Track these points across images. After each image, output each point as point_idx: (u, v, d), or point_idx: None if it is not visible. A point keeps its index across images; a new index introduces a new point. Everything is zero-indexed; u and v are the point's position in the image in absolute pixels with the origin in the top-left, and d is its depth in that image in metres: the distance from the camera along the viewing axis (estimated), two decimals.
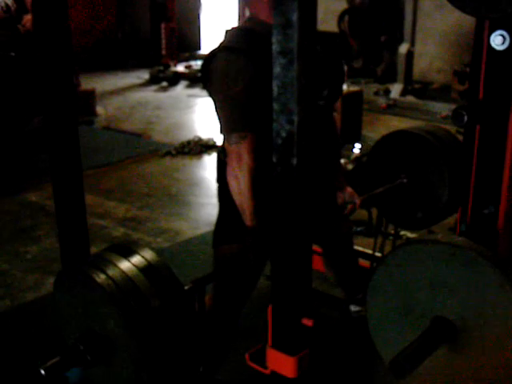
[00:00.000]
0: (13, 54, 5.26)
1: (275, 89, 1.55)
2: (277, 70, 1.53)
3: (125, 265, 1.64)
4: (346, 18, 8.94)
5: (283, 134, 1.54)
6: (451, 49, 8.70)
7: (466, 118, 1.54)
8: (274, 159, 1.58)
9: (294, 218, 1.58)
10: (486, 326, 1.59)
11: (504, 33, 1.55)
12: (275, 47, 1.52)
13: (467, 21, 7.00)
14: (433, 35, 8.92)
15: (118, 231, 4.09)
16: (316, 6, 1.55)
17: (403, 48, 8.03)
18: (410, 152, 2.58)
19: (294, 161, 1.54)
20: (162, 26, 9.68)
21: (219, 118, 2.09)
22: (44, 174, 2.33)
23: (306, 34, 1.50)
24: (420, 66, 8.86)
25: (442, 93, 8.29)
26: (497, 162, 1.64)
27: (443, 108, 7.28)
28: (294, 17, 1.47)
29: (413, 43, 8.12)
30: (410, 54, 8.07)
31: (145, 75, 9.54)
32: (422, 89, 8.30)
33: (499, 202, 1.67)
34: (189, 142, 5.98)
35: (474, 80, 1.69)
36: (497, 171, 1.64)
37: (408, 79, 8.13)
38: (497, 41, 1.56)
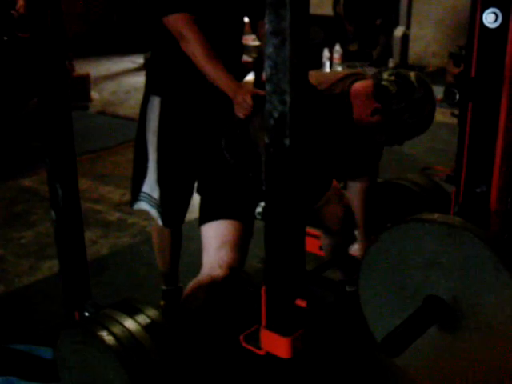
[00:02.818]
0: (5, 38, 5.23)
1: (267, 69, 1.54)
2: (269, 50, 1.52)
3: (133, 325, 1.69)
4: (342, 1, 8.90)
5: (275, 115, 1.53)
6: (447, 32, 8.67)
7: (457, 96, 1.54)
8: (267, 140, 1.57)
9: (287, 199, 1.58)
10: (479, 307, 1.59)
11: (496, 10, 1.54)
12: (267, 27, 1.51)
13: (463, 3, 6.97)
14: (428, 18, 8.88)
15: (114, 216, 4.09)
16: None
17: (399, 31, 8.00)
18: (395, 201, 2.70)
19: (287, 141, 1.53)
20: None
21: None
22: (39, 159, 2.32)
23: (298, 14, 1.49)
24: (415, 49, 8.83)
25: (437, 76, 8.25)
26: (489, 141, 1.63)
27: (439, 91, 7.22)
28: None
29: (408, 26, 8.09)
30: (405, 38, 8.04)
31: (139, 60, 9.48)
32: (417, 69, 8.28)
33: (491, 181, 1.66)
34: None
35: (469, 61, 1.68)
36: (489, 150, 1.64)
37: (403, 62, 8.11)
38: (489, 18, 1.55)
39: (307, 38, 1.54)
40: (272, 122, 1.54)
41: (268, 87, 1.54)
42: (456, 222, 1.57)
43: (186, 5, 2.31)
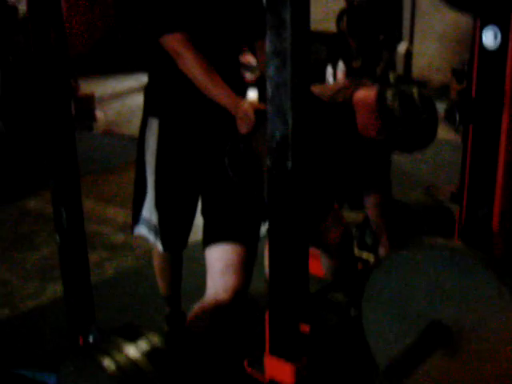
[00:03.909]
0: (11, 57, 5.26)
1: (269, 90, 1.52)
2: (270, 70, 1.51)
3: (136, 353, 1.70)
4: (345, 17, 8.92)
5: (278, 136, 1.52)
6: (450, 48, 8.67)
7: (457, 117, 1.53)
8: (269, 162, 1.55)
9: (290, 222, 1.56)
10: (482, 332, 1.57)
11: (495, 30, 1.52)
12: (268, 47, 1.50)
13: (466, 19, 6.97)
14: (432, 34, 8.88)
15: (118, 237, 4.06)
16: (309, 6, 1.53)
17: (402, 47, 8.01)
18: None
19: (289, 164, 1.52)
20: None
21: None
22: (43, 180, 2.31)
23: (299, 34, 1.48)
24: (419, 64, 8.83)
25: (441, 92, 8.25)
26: (490, 163, 1.62)
27: (442, 107, 7.19)
28: (287, 17, 1.45)
29: (411, 42, 8.10)
30: (408, 53, 8.05)
31: (144, 78, 9.47)
32: (421, 84, 8.27)
33: (493, 203, 1.64)
34: None
35: (470, 82, 1.67)
36: (490, 171, 1.62)
37: (407, 78, 8.11)
38: (488, 39, 1.53)
39: (308, 57, 1.53)
40: (274, 144, 1.53)
41: (270, 108, 1.53)
42: (458, 247, 1.55)
43: (182, 24, 2.30)
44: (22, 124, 5.30)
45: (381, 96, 2.13)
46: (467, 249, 1.54)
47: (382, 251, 2.57)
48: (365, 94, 2.20)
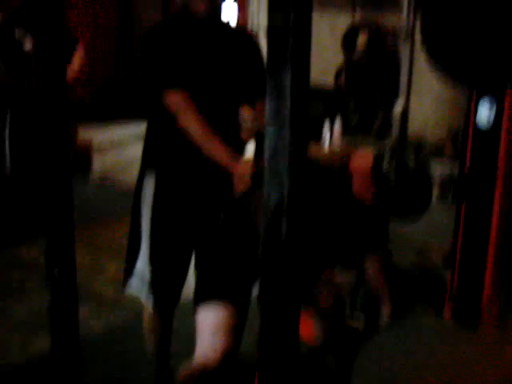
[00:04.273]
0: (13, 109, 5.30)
1: (266, 154, 1.52)
2: (269, 133, 1.50)
3: None
4: (343, 74, 9.04)
5: (273, 202, 1.51)
6: (447, 107, 8.77)
7: (450, 196, 1.53)
8: (263, 225, 1.54)
9: (282, 288, 1.53)
10: None
11: (490, 108, 1.52)
12: (268, 112, 1.50)
13: None
14: (428, 93, 9.00)
15: (109, 289, 4.01)
16: (309, 72, 1.54)
17: (398, 105, 8.10)
18: None
19: (284, 228, 1.50)
20: None
21: None
22: (36, 229, 2.28)
23: (299, 101, 1.49)
24: (415, 122, 8.92)
25: (437, 151, 8.31)
26: (482, 238, 1.62)
27: (438, 168, 7.22)
28: (288, 83, 1.45)
29: (408, 99, 8.19)
30: (405, 112, 8.13)
31: (143, 128, 9.50)
32: (417, 146, 8.33)
33: (484, 279, 1.64)
34: None
35: (463, 158, 1.68)
36: (482, 245, 1.62)
37: (403, 136, 8.18)
38: (482, 118, 1.54)
39: (307, 123, 1.53)
40: (269, 208, 1.52)
41: (266, 172, 1.52)
42: (445, 325, 1.54)
43: (182, 82, 2.33)
44: (27, 170, 5.31)
45: (377, 163, 2.15)
46: (455, 328, 1.53)
47: (384, 311, 2.55)
48: (361, 161, 2.21)
